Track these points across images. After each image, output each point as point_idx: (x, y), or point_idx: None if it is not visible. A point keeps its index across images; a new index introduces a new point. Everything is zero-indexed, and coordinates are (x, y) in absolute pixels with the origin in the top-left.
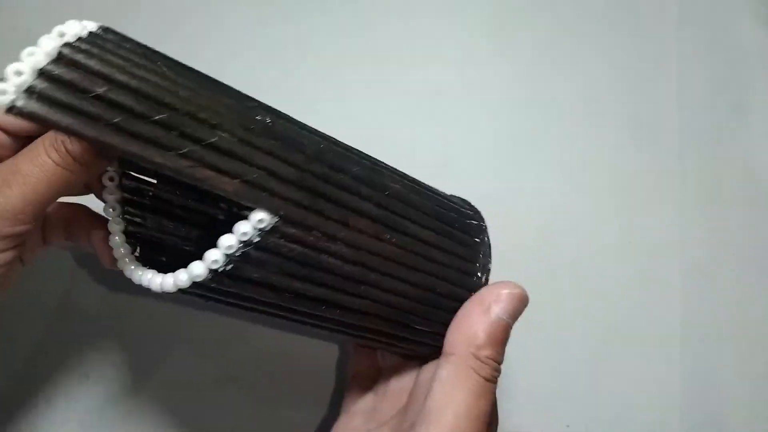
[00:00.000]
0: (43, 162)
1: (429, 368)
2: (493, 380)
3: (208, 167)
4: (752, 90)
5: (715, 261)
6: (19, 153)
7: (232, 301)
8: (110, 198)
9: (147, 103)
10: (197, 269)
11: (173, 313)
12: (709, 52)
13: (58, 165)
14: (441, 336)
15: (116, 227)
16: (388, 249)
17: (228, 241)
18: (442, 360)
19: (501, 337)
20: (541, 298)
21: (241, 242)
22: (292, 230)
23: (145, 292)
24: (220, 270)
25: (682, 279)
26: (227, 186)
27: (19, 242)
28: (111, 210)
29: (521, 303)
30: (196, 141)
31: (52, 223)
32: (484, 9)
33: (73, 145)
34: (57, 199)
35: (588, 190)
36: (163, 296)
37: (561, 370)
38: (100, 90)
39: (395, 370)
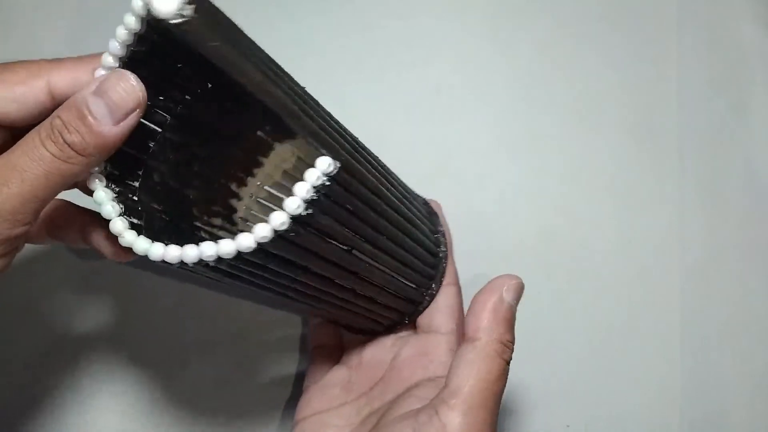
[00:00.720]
0: (41, 155)
1: (411, 345)
2: (509, 363)
3: (297, 105)
4: (752, 90)
5: (715, 261)
6: (13, 148)
7: (282, 262)
8: (105, 198)
9: (248, 43)
10: (278, 219)
11: (173, 313)
12: (709, 52)
13: (57, 158)
14: (420, 289)
15: (121, 225)
16: (394, 201)
17: (303, 188)
18: (467, 345)
19: (513, 323)
20: (540, 298)
21: (314, 187)
22: (347, 178)
23: (145, 290)
24: (301, 215)
25: (682, 279)
26: (310, 126)
27: (17, 245)
28: (111, 208)
29: (522, 291)
30: (285, 82)
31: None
32: (484, 9)
33: (72, 135)
34: (55, 195)
35: (588, 190)
36: (194, 273)
37: (561, 370)
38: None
39: (364, 343)
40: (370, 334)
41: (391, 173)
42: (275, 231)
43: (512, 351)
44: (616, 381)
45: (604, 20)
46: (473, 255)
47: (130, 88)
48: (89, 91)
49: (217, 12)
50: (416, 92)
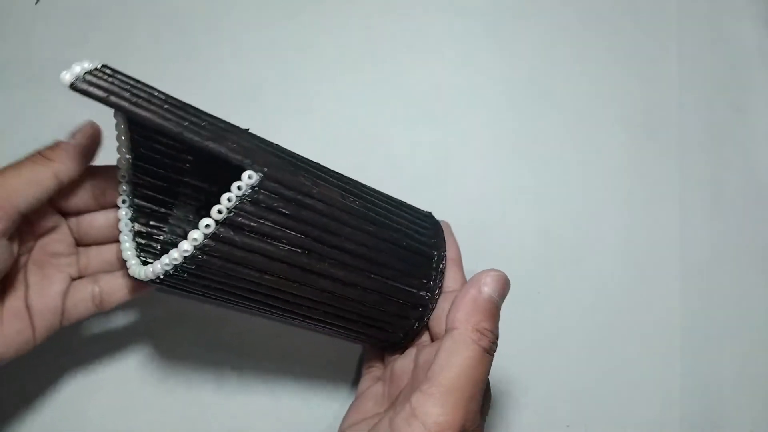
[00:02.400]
0: (21, 163)
1: (427, 351)
2: (490, 351)
3: (212, 139)
4: (752, 90)
5: (715, 261)
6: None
7: (227, 271)
8: (131, 255)
9: (170, 101)
10: (204, 223)
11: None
12: (709, 52)
13: (34, 162)
14: (416, 290)
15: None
16: (354, 206)
17: (227, 196)
18: (446, 334)
19: (494, 313)
20: (540, 298)
21: (237, 196)
22: (274, 185)
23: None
24: (222, 220)
25: (682, 279)
26: (225, 149)
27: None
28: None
29: (506, 284)
30: (204, 119)
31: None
32: (484, 9)
33: (45, 151)
34: (32, 199)
35: (588, 190)
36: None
37: (561, 369)
38: (136, 87)
39: (396, 359)
40: (388, 344)
41: (354, 183)
42: (203, 234)
43: (492, 339)
44: (616, 381)
45: (604, 20)
46: (473, 255)
47: (85, 126)
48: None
49: (112, 73)
50: (416, 92)
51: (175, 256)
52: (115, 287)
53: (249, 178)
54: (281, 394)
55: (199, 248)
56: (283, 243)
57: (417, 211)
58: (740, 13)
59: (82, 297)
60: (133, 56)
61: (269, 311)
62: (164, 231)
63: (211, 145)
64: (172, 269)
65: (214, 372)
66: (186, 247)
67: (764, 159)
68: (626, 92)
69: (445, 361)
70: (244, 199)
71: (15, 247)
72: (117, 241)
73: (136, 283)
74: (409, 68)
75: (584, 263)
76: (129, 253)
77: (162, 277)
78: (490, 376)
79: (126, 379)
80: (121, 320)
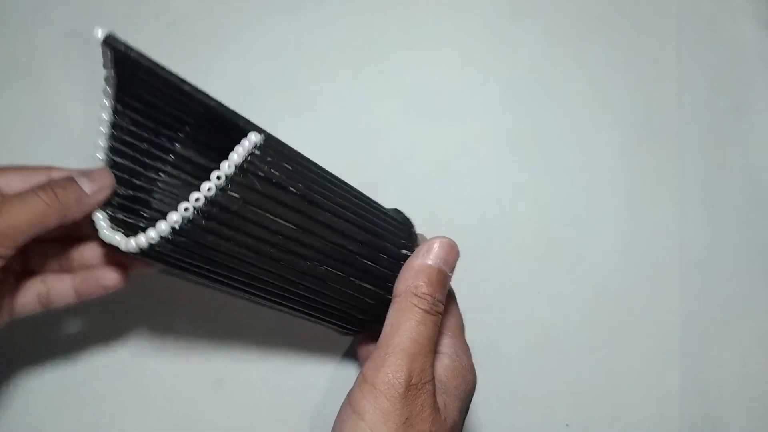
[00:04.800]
0: (32, 198)
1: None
2: (432, 312)
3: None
4: (752, 90)
5: (715, 261)
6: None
7: (233, 231)
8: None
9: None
10: (225, 166)
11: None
12: (709, 52)
13: (46, 203)
14: (385, 283)
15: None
16: (343, 188)
17: (238, 150)
18: (391, 304)
19: (436, 279)
20: (540, 297)
21: (247, 150)
22: (277, 145)
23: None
24: (242, 165)
25: (682, 279)
26: (232, 112)
27: None
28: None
29: (451, 249)
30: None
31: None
32: (484, 9)
33: (64, 191)
34: (34, 232)
35: (588, 190)
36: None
37: (561, 369)
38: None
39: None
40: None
41: (334, 179)
42: (225, 173)
43: (433, 304)
44: (616, 381)
45: (605, 20)
46: (473, 255)
47: (104, 175)
48: (83, 175)
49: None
50: (416, 92)
51: (197, 197)
52: (62, 289)
53: (255, 137)
54: (277, 385)
55: (221, 188)
56: (291, 193)
57: (386, 211)
58: (740, 13)
59: (28, 295)
60: None
61: (271, 278)
62: (145, 213)
63: (219, 105)
64: (192, 214)
65: (211, 367)
66: (209, 185)
67: (764, 159)
68: (626, 92)
69: (389, 328)
70: (253, 151)
71: None
72: (66, 241)
73: (89, 285)
74: (409, 67)
75: (584, 263)
76: (107, 233)
77: (177, 229)
78: (490, 376)
79: (123, 375)
80: (116, 315)
